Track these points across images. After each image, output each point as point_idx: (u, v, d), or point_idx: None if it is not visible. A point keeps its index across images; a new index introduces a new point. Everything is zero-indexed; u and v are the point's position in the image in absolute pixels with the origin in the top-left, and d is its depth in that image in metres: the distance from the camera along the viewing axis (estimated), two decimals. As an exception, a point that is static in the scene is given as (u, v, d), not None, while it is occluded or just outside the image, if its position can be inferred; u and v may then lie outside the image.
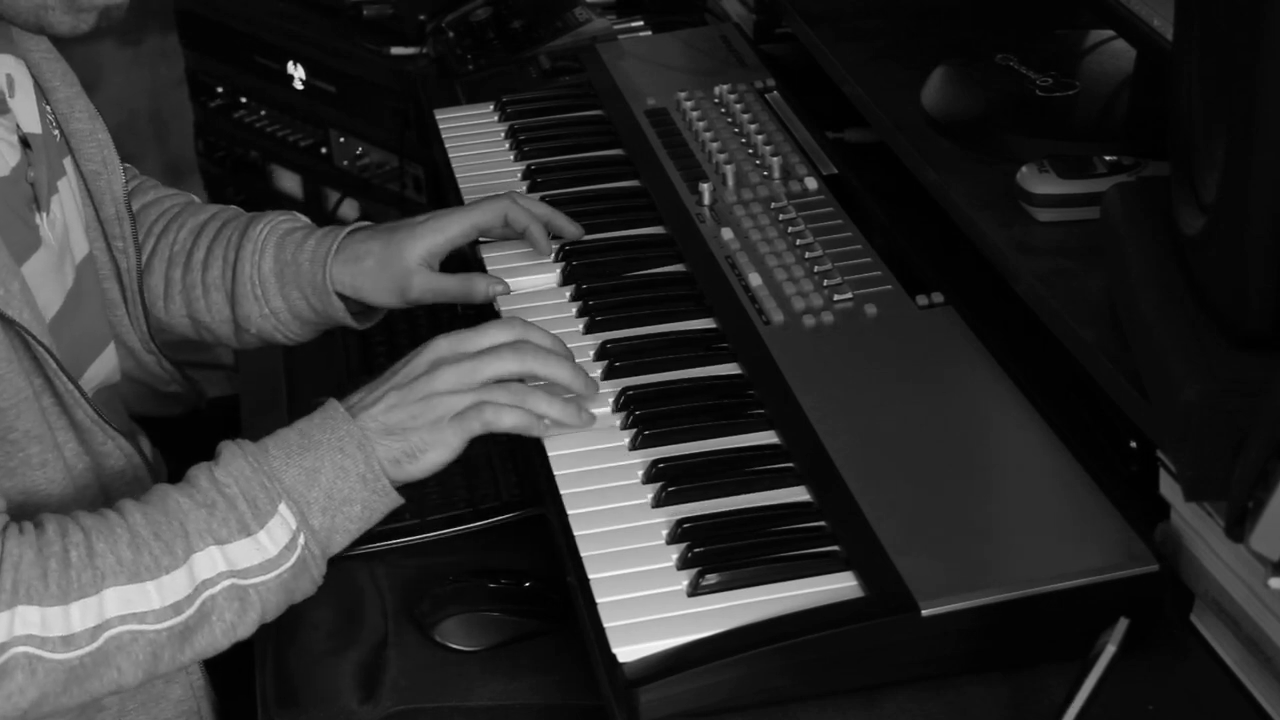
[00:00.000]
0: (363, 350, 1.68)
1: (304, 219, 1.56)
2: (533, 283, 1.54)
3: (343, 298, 1.50)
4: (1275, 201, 1.04)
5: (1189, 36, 1.15)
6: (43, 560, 1.15)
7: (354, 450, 1.24)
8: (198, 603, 1.18)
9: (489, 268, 1.56)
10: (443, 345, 1.31)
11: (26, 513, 1.23)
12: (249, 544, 1.20)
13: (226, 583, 1.19)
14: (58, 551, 1.16)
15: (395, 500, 1.27)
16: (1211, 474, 1.07)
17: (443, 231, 1.50)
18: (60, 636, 1.14)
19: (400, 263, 1.48)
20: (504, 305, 1.51)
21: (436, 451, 1.27)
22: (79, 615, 1.15)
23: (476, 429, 1.28)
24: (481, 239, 1.58)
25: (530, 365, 1.31)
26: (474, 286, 1.50)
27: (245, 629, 1.21)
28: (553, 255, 1.57)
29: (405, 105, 2.10)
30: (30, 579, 1.14)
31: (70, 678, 1.15)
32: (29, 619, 1.13)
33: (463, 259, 1.58)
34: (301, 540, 1.22)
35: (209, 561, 1.19)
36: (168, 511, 1.19)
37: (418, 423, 1.27)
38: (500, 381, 1.30)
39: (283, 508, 1.21)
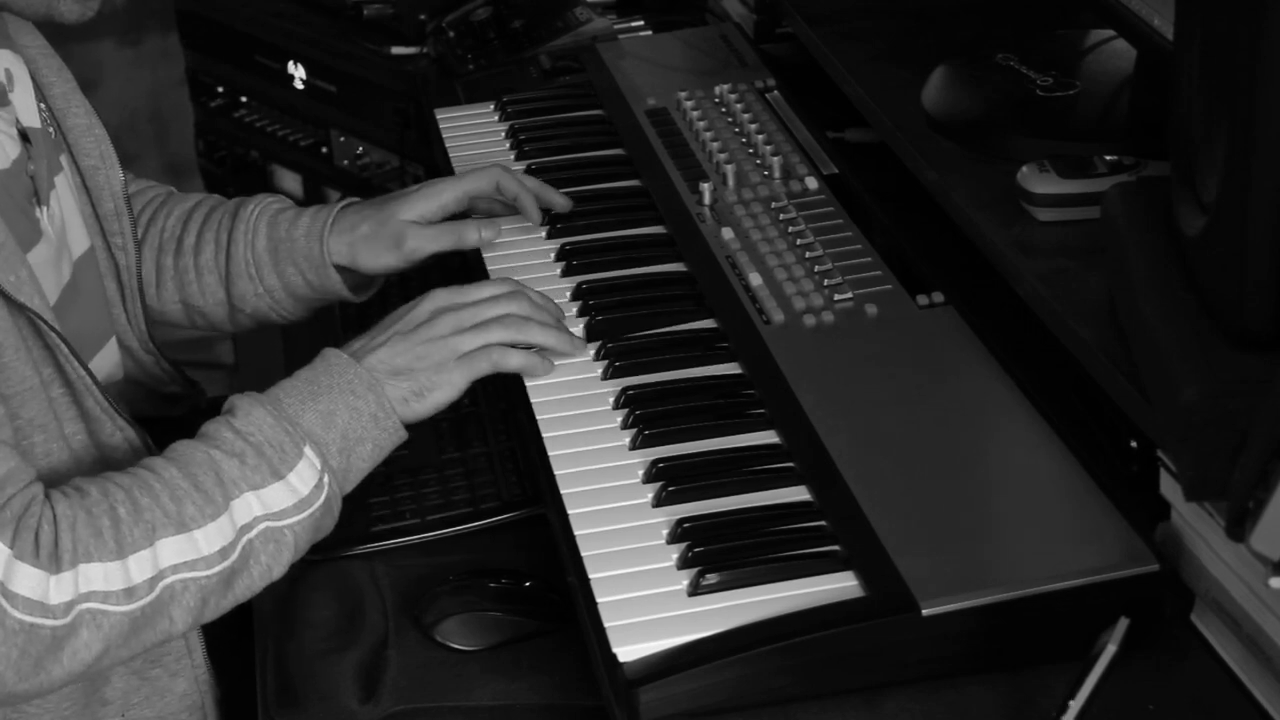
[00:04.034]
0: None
1: (291, 201, 1.60)
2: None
3: (339, 270, 1.53)
4: (1275, 201, 1.04)
5: (1189, 36, 1.15)
6: (94, 520, 1.19)
7: (365, 392, 1.30)
8: (239, 547, 1.23)
9: None
10: (441, 296, 1.39)
11: None
12: (281, 487, 1.25)
13: (262, 526, 1.24)
14: (106, 509, 1.20)
15: (403, 435, 1.33)
16: (1211, 474, 1.07)
17: (435, 197, 1.56)
18: (122, 590, 1.19)
19: (395, 223, 1.54)
20: None
21: (442, 391, 1.34)
22: (136, 568, 1.19)
23: (485, 369, 1.36)
24: (473, 212, 1.62)
25: (525, 310, 1.39)
26: (466, 232, 1.56)
27: (279, 569, 1.26)
28: (544, 231, 1.61)
29: (405, 105, 2.10)
30: (87, 538, 1.18)
31: (132, 628, 1.20)
32: (92, 576, 1.18)
33: None
34: (326, 480, 1.27)
35: (246, 507, 1.24)
36: (199, 464, 1.24)
37: (423, 364, 1.33)
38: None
39: (308, 450, 1.27)
